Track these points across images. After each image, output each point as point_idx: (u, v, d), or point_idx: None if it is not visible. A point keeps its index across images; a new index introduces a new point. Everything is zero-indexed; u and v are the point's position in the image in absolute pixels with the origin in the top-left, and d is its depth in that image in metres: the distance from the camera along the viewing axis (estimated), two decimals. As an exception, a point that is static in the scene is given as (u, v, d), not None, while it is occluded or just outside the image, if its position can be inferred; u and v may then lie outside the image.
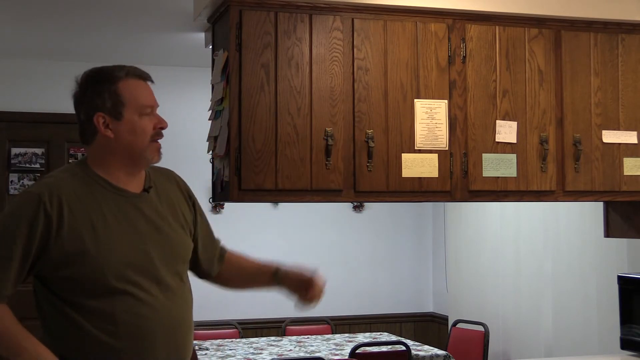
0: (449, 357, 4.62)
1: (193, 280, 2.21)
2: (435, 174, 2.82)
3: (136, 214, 2.03)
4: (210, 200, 2.88)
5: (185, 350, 2.08)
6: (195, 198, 2.25)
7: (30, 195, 1.95)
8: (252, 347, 4.83)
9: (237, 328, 5.22)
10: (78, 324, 1.94)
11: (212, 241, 2.30)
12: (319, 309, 6.85)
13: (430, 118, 2.83)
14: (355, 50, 2.77)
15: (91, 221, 1.96)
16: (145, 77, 2.07)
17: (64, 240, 1.93)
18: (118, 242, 1.97)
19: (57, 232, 1.92)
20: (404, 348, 4.39)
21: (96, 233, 1.95)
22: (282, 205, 6.04)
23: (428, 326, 6.60)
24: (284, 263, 2.32)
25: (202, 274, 2.30)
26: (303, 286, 2.26)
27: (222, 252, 2.33)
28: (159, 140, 2.07)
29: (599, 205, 3.51)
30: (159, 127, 2.05)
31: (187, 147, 5.22)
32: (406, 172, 2.80)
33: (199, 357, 4.34)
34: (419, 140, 2.83)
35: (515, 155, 2.91)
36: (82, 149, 5.77)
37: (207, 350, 4.63)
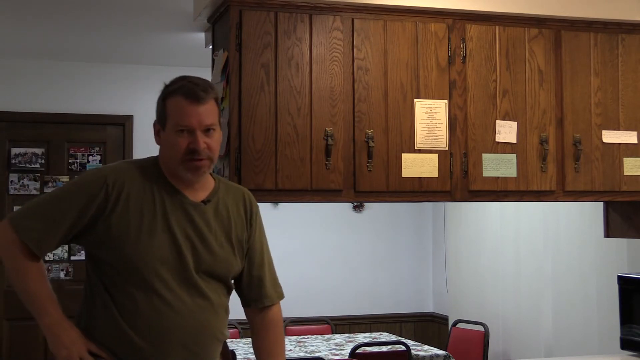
0: (449, 357, 4.62)
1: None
2: (435, 174, 2.82)
3: (186, 220, 2.10)
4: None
5: (207, 355, 2.11)
6: (256, 222, 2.25)
7: (99, 173, 2.11)
8: (252, 347, 4.82)
9: (237, 328, 5.22)
10: (108, 308, 2.03)
11: (256, 275, 2.26)
12: (319, 309, 6.88)
13: (430, 118, 2.83)
14: (355, 50, 2.77)
15: (141, 214, 2.05)
16: (192, 97, 2.08)
17: (112, 223, 2.03)
18: (160, 239, 2.05)
19: (109, 214, 2.03)
20: (404, 348, 4.39)
21: (142, 225, 2.04)
22: (282, 205, 6.04)
23: (428, 326, 6.60)
24: None
25: (242, 302, 2.31)
26: None
27: (264, 300, 2.27)
28: (202, 161, 2.08)
29: (599, 205, 3.51)
30: (191, 147, 2.07)
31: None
32: (406, 172, 2.80)
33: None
34: (419, 140, 2.83)
35: (515, 155, 2.91)
36: (82, 149, 5.78)
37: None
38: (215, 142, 2.11)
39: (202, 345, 2.09)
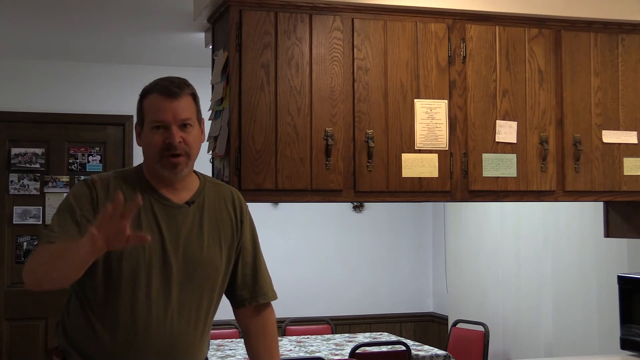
0: (449, 357, 4.62)
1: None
2: (435, 174, 2.82)
3: (171, 224, 2.07)
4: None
5: None
6: (247, 222, 2.22)
7: (84, 181, 2.11)
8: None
9: (237, 328, 5.22)
10: (86, 313, 2.02)
11: (251, 274, 2.24)
12: (319, 309, 6.87)
13: (430, 118, 2.83)
14: (355, 50, 2.77)
15: None
16: (166, 93, 2.08)
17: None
18: (142, 245, 1.99)
19: (96, 212, 2.01)
20: (404, 348, 4.39)
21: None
22: (282, 205, 6.04)
23: (428, 326, 6.60)
24: None
25: (233, 303, 2.27)
26: None
27: (259, 298, 2.24)
28: (178, 157, 2.06)
29: (599, 205, 3.51)
30: (167, 142, 2.05)
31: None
32: (406, 172, 2.80)
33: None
34: (419, 140, 2.83)
35: (515, 155, 2.91)
36: (82, 149, 5.78)
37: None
38: (192, 137, 2.08)
39: (179, 356, 2.05)
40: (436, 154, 2.83)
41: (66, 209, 2.05)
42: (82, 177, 2.20)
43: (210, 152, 2.81)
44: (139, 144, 2.14)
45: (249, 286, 2.23)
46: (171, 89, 2.08)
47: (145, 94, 2.12)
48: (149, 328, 2.01)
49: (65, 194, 5.63)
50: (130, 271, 2.00)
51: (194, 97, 2.13)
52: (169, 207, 2.09)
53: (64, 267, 1.88)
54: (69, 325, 2.07)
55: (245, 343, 2.32)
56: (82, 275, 1.96)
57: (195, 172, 2.18)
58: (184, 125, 2.07)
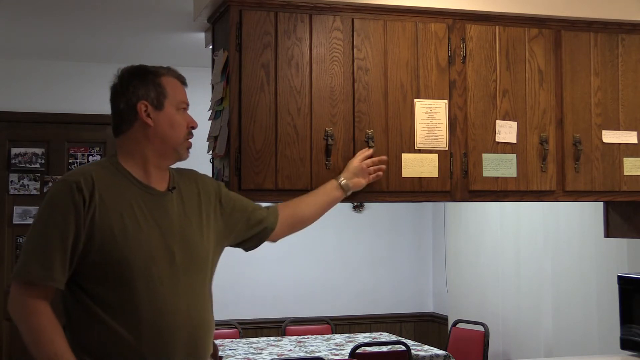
0: (449, 357, 4.62)
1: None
2: (435, 174, 2.82)
3: (161, 213, 2.07)
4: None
5: (204, 351, 2.09)
6: (221, 188, 2.29)
7: (65, 182, 1.99)
8: (252, 347, 4.83)
9: (237, 328, 5.22)
10: (101, 319, 1.96)
11: (255, 216, 2.34)
12: (319, 309, 6.88)
13: (430, 118, 2.83)
14: (355, 50, 2.77)
15: (120, 213, 2.00)
16: (182, 80, 2.20)
17: (95, 225, 1.96)
18: (145, 237, 2.01)
19: (90, 216, 1.96)
20: (404, 348, 4.39)
21: (124, 225, 1.99)
22: (282, 205, 6.04)
23: (428, 326, 6.60)
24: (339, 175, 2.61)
25: (256, 245, 2.39)
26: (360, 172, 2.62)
27: (271, 223, 2.37)
28: (190, 140, 2.18)
29: (599, 205, 3.51)
30: (191, 126, 2.16)
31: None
32: (406, 172, 2.79)
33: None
34: (419, 140, 2.82)
35: (515, 155, 2.91)
36: (82, 149, 5.79)
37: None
38: None
39: (201, 338, 2.07)
40: (436, 154, 2.83)
41: (50, 230, 1.94)
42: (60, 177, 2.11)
43: (210, 152, 2.81)
44: (147, 121, 2.08)
45: (260, 231, 2.34)
46: (181, 75, 2.20)
47: (161, 74, 2.14)
48: (172, 319, 2.00)
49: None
50: (141, 268, 1.98)
51: None
52: (154, 196, 2.08)
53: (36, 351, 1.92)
54: (85, 337, 1.99)
55: (298, 225, 2.49)
56: (88, 283, 1.97)
57: None
58: None
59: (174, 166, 2.22)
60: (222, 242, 2.25)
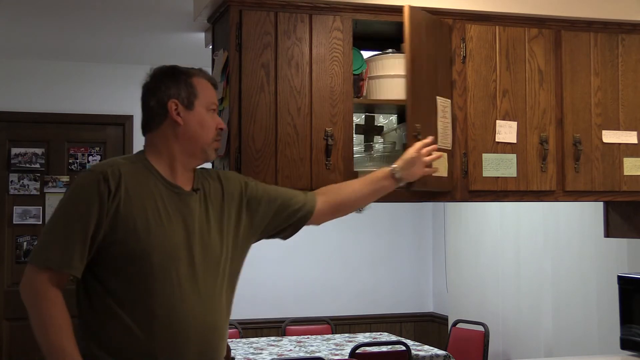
0: (449, 357, 4.62)
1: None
2: (444, 173, 2.81)
3: (187, 212, 2.07)
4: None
5: (216, 355, 2.09)
6: (248, 184, 2.27)
7: (92, 172, 2.01)
8: (252, 347, 4.83)
9: (237, 328, 5.22)
10: (115, 312, 1.97)
11: (289, 206, 2.30)
12: (319, 309, 6.86)
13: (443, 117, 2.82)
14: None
15: (144, 207, 2.01)
16: (213, 81, 2.21)
17: (118, 216, 1.97)
18: (167, 235, 2.01)
19: (114, 207, 1.97)
20: (404, 348, 4.39)
21: (147, 220, 2.00)
22: (282, 205, 6.04)
23: (428, 326, 6.60)
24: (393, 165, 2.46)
25: (292, 234, 2.35)
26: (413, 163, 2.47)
27: (307, 211, 2.33)
28: (218, 141, 2.19)
29: (599, 205, 3.51)
30: (219, 127, 2.17)
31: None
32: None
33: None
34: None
35: (515, 155, 2.91)
36: (82, 149, 5.79)
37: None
38: None
39: (214, 342, 2.06)
40: (445, 153, 2.82)
41: (72, 217, 1.96)
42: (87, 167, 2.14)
43: (210, 152, 2.81)
44: (176, 119, 2.10)
45: (296, 210, 2.30)
46: (213, 77, 2.22)
47: (193, 75, 2.15)
48: (185, 320, 1.99)
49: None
50: (160, 265, 1.98)
51: None
52: (181, 195, 2.09)
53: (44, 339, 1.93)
54: (97, 329, 1.99)
55: (347, 207, 2.43)
56: (105, 274, 1.98)
57: None
58: None
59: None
60: (246, 244, 2.23)
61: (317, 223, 2.39)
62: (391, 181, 2.44)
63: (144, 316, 1.97)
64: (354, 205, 2.45)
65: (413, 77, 2.59)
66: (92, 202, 1.96)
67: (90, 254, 1.98)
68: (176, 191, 2.09)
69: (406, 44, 2.59)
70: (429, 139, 2.53)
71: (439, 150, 2.64)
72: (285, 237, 2.37)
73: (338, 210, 2.41)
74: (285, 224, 2.31)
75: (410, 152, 2.48)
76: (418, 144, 2.49)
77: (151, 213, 2.01)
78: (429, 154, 2.50)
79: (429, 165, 2.50)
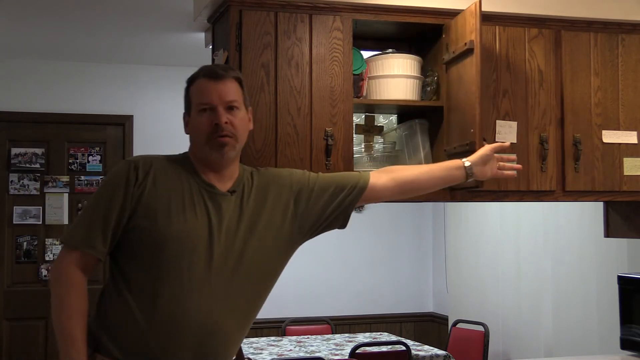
0: (449, 357, 4.62)
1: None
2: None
3: (215, 211, 2.06)
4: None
5: (216, 358, 2.05)
6: (300, 184, 2.23)
7: (125, 162, 2.08)
8: (252, 347, 4.83)
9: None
10: (124, 297, 2.00)
11: (339, 197, 2.26)
12: (319, 309, 6.85)
13: (431, 118, 2.82)
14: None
15: (168, 198, 2.03)
16: (213, 75, 2.11)
17: (141, 202, 2.01)
18: (187, 229, 2.01)
19: (139, 193, 2.02)
20: (404, 348, 4.39)
21: (169, 211, 2.02)
22: (282, 205, 6.04)
23: (428, 326, 6.60)
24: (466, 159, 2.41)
25: (342, 224, 2.34)
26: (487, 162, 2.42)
27: (361, 183, 2.28)
28: (225, 138, 2.07)
29: (599, 205, 3.51)
30: (214, 122, 2.07)
31: (187, 147, 5.22)
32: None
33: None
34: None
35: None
36: (82, 149, 5.79)
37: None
38: (239, 120, 2.10)
39: (214, 345, 2.03)
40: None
41: (100, 201, 2.03)
42: (100, 174, 2.18)
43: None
44: (187, 132, 2.14)
45: (353, 191, 2.26)
46: (217, 71, 2.12)
47: (191, 81, 2.14)
48: (187, 317, 1.98)
49: (65, 194, 5.67)
50: (174, 255, 1.99)
51: (240, 82, 2.15)
52: (214, 195, 2.08)
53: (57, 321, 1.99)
54: (107, 310, 2.04)
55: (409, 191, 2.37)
56: (122, 257, 2.03)
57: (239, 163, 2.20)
58: (230, 108, 2.09)
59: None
60: (290, 247, 2.24)
61: (378, 200, 2.35)
62: (463, 172, 2.38)
63: (148, 304, 1.98)
64: (423, 187, 2.37)
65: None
66: (119, 186, 2.02)
67: (115, 239, 2.03)
68: (209, 189, 2.09)
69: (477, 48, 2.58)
70: (507, 143, 2.53)
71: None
72: (340, 227, 2.34)
73: (404, 189, 2.34)
74: (337, 212, 2.27)
75: (486, 149, 2.44)
76: (495, 144, 2.46)
77: (174, 205, 2.03)
78: (504, 159, 2.48)
79: (501, 168, 2.47)
